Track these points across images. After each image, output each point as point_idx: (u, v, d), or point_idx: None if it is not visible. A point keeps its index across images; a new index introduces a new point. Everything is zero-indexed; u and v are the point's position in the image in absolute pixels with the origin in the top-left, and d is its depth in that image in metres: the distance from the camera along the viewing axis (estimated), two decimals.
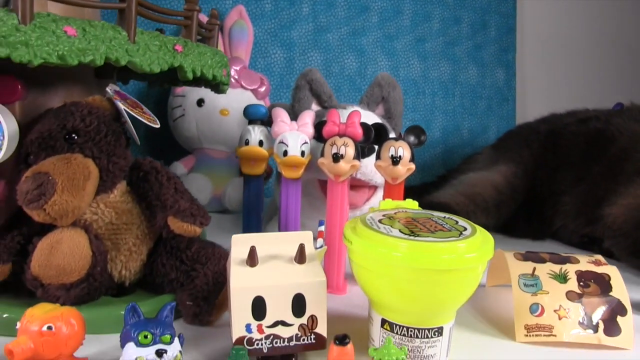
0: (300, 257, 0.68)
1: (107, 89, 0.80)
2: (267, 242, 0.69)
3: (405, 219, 0.74)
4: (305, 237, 0.70)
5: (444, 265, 0.65)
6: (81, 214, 0.75)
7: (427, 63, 1.63)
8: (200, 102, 1.30)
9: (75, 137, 0.76)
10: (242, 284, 0.65)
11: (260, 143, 0.93)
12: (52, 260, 0.72)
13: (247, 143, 0.93)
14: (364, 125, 0.92)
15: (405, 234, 0.68)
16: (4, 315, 0.74)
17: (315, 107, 1.14)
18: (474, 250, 0.67)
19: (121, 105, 0.78)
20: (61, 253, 0.72)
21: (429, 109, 1.64)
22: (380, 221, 0.73)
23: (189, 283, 0.77)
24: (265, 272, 0.67)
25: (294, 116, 0.96)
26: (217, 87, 1.04)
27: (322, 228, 0.70)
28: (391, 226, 0.70)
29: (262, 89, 1.36)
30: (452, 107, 1.68)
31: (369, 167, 1.06)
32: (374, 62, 1.58)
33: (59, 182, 0.71)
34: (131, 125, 0.79)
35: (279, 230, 0.97)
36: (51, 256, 0.72)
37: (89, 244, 0.74)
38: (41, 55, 0.68)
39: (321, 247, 0.70)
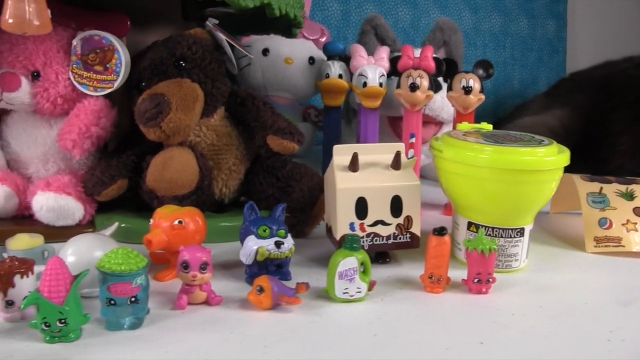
0: (397, 163, 0.77)
1: (207, 22, 0.90)
2: (364, 151, 0.78)
3: (486, 134, 0.83)
4: (398, 147, 0.79)
5: (525, 166, 0.74)
6: (189, 133, 0.85)
7: (479, 15, 1.71)
8: (265, 52, 1.40)
9: (183, 64, 0.86)
10: (346, 185, 0.75)
11: (340, 76, 1.02)
12: (165, 174, 0.82)
13: (327, 76, 1.03)
14: (436, 59, 1.01)
15: (490, 142, 0.77)
16: (122, 225, 0.84)
17: None
18: (552, 155, 0.76)
19: (222, 36, 0.87)
20: (173, 168, 0.82)
21: None
22: (464, 134, 0.82)
23: (285, 198, 0.87)
24: (366, 176, 0.76)
25: None
26: (289, 30, 1.14)
27: (414, 140, 0.80)
28: (474, 138, 0.80)
29: (323, 39, 1.45)
30: (503, 59, 1.76)
31: (436, 103, 1.15)
32: (427, 15, 1.66)
33: (174, 101, 0.81)
34: (231, 54, 0.89)
35: None
36: (164, 171, 0.82)
37: (196, 161, 0.83)
38: None
39: (412, 157, 0.79)
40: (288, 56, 1.40)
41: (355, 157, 0.76)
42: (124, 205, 0.89)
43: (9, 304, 0.62)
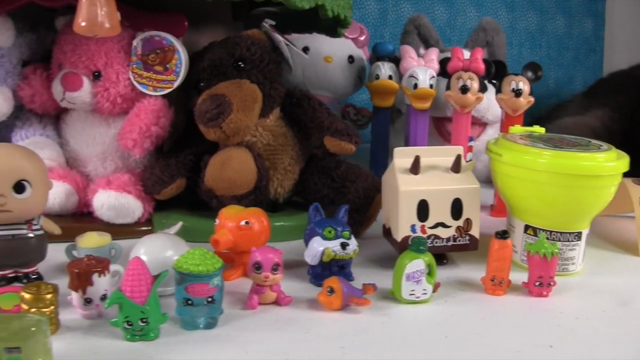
0: (457, 166, 0.79)
1: (264, 23, 0.91)
2: (423, 153, 0.79)
3: (542, 138, 0.84)
4: (457, 150, 0.81)
5: (585, 171, 0.76)
6: (248, 134, 0.87)
7: (515, 14, 1.72)
8: (305, 50, 1.41)
9: (242, 65, 0.87)
10: (409, 188, 0.76)
11: (390, 77, 1.04)
12: (224, 174, 0.84)
13: (377, 78, 1.04)
14: (485, 61, 1.02)
15: (549, 146, 0.79)
16: (180, 223, 0.85)
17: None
18: (611, 160, 0.77)
19: (279, 37, 0.89)
20: (231, 168, 0.84)
21: (516, 59, 1.72)
22: (521, 138, 0.83)
23: (340, 198, 0.88)
24: (427, 178, 0.78)
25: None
26: (335, 30, 1.16)
27: (472, 143, 0.81)
28: (533, 141, 0.81)
29: (362, 38, 1.46)
30: (539, 58, 1.76)
31: (482, 104, 1.16)
32: (463, 13, 1.67)
33: (234, 102, 0.82)
34: (289, 55, 0.90)
35: None
36: (223, 171, 0.84)
37: (254, 161, 0.85)
38: None
39: (470, 160, 0.81)
40: (328, 55, 1.41)
41: (417, 160, 0.77)
42: (180, 204, 0.91)
43: (87, 301, 0.64)
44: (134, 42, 0.87)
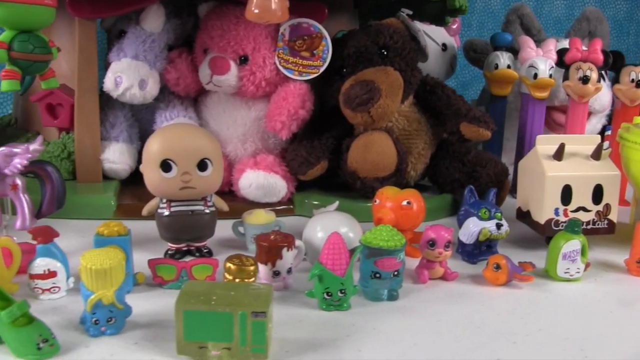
0: (598, 154, 0.86)
1: (401, 12, 0.99)
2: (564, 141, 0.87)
3: None
4: (596, 139, 0.88)
5: None
6: (391, 119, 0.95)
7: (603, 1, 1.78)
8: None
9: (386, 53, 0.95)
10: (555, 173, 0.84)
11: (508, 67, 1.11)
12: (367, 157, 0.92)
13: (496, 67, 1.12)
14: (603, 51, 1.09)
15: None
16: (337, 202, 0.92)
17: None
18: None
19: (419, 26, 0.97)
20: (374, 151, 0.92)
21: None
22: None
23: (472, 182, 0.96)
24: (571, 165, 0.86)
25: None
26: (441, 18, 1.23)
27: (609, 132, 0.88)
28: None
29: (454, 26, 1.53)
30: (626, 46, 1.82)
31: None
32: (550, 1, 1.73)
33: (383, 88, 0.91)
34: (425, 43, 0.98)
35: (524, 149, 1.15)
36: (366, 154, 0.92)
37: (394, 145, 0.93)
38: None
39: (607, 148, 0.88)
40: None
41: (562, 147, 0.85)
42: (315, 185, 0.99)
43: (276, 274, 0.72)
44: (281, 29, 0.95)
